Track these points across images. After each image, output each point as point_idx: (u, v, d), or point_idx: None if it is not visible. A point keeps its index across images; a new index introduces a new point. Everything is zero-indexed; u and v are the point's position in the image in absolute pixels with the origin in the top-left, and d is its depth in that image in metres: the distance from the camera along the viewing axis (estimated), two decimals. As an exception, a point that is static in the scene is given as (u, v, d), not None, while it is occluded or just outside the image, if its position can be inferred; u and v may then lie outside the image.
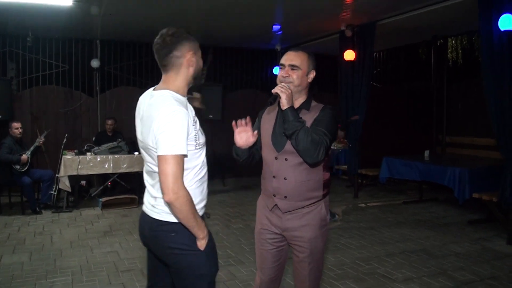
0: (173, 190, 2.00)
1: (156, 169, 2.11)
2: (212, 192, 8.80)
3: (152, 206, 2.20)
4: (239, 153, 2.72)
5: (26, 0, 6.40)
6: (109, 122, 8.61)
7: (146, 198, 2.29)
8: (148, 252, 2.37)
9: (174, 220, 2.14)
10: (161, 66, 2.20)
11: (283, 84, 2.55)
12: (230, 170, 10.25)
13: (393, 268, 4.76)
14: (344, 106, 8.29)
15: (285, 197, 2.60)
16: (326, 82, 12.24)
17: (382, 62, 12.27)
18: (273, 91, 2.53)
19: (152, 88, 2.26)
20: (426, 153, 7.65)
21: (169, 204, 2.04)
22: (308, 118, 2.59)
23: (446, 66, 9.81)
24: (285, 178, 2.59)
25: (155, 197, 2.19)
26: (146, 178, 2.29)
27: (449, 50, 11.00)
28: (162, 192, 2.03)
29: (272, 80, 9.04)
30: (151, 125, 2.06)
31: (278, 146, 2.62)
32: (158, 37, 2.18)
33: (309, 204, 2.62)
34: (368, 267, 4.80)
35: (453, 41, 11.39)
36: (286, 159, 2.58)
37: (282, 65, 2.63)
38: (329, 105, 2.67)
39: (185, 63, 2.19)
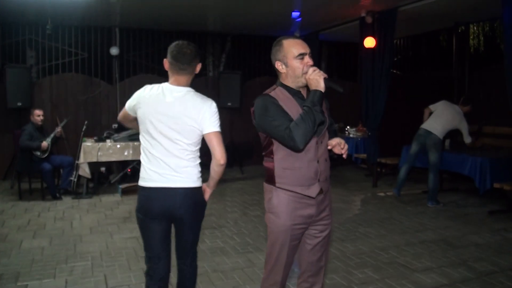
0: (225, 155, 2.71)
1: (186, 146, 2.68)
2: (230, 179, 8.83)
3: (186, 178, 2.70)
4: None
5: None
6: None
7: (167, 174, 2.69)
8: (157, 226, 2.89)
9: (201, 184, 2.81)
10: (178, 69, 2.66)
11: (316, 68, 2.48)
12: (248, 158, 10.25)
13: (413, 258, 4.72)
14: (364, 94, 8.21)
15: (326, 178, 2.62)
16: (346, 69, 12.15)
17: (402, 50, 12.12)
18: (324, 77, 2.45)
19: (167, 83, 2.71)
20: (447, 142, 7.53)
21: (221, 166, 2.71)
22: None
23: (468, 54, 9.63)
24: (326, 160, 2.62)
25: (181, 171, 2.69)
26: (170, 159, 2.68)
27: (471, 37, 10.80)
28: (218, 158, 2.68)
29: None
30: (200, 112, 2.65)
31: (318, 130, 2.52)
32: (184, 45, 2.66)
33: None
34: (387, 256, 4.77)
35: (475, 28, 11.18)
36: (321, 142, 2.58)
37: (303, 54, 2.49)
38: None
39: (194, 72, 2.75)
